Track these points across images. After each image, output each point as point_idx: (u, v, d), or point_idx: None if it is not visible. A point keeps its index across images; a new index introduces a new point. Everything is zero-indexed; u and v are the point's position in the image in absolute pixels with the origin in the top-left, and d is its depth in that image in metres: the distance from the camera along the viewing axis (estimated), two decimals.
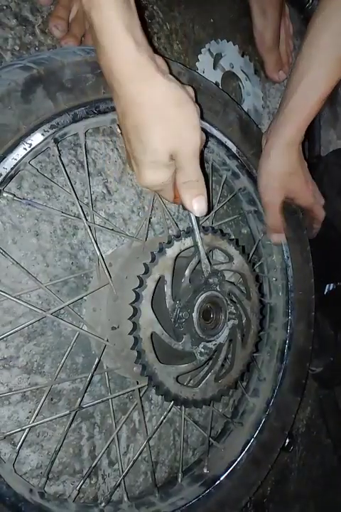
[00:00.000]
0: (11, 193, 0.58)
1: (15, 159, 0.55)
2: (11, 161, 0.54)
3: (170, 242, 0.60)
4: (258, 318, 0.71)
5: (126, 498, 0.68)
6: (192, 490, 0.73)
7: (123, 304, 0.64)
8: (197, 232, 0.61)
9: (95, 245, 0.63)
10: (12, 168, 0.55)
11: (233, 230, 0.91)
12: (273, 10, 0.95)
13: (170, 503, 0.71)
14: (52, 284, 0.64)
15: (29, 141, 0.55)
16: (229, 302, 0.66)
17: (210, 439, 0.79)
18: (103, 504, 0.66)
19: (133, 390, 0.70)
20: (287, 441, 0.86)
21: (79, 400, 0.65)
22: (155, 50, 0.55)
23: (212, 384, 0.65)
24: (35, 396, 0.64)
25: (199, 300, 0.62)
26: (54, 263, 0.66)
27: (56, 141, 0.59)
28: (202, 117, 0.61)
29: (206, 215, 0.78)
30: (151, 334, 0.59)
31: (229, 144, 0.76)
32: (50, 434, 0.65)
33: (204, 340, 0.63)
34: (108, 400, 0.69)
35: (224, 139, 0.75)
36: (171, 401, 0.62)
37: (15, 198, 0.59)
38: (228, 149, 0.76)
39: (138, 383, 0.69)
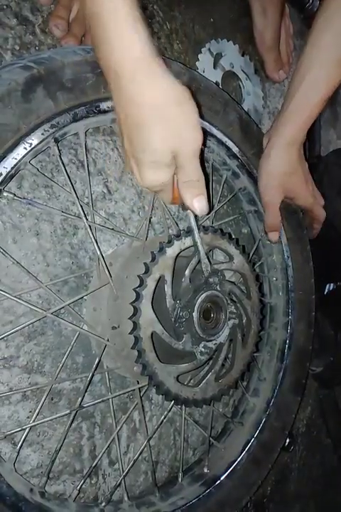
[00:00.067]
0: (12, 193, 0.58)
1: (16, 159, 0.55)
2: (11, 161, 0.54)
3: (170, 242, 0.60)
4: (259, 317, 0.71)
5: (126, 498, 0.68)
6: (193, 490, 0.73)
7: (124, 304, 0.64)
8: (196, 232, 0.61)
9: (95, 245, 0.63)
10: (12, 168, 0.55)
11: (233, 229, 0.91)
12: (273, 9, 0.95)
13: (170, 503, 0.71)
14: (53, 284, 0.64)
15: (29, 141, 0.55)
16: (229, 302, 0.66)
17: (210, 438, 0.79)
18: (103, 504, 0.66)
19: (134, 390, 0.70)
20: (287, 441, 0.86)
21: (80, 399, 0.65)
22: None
23: (213, 383, 0.65)
24: (35, 396, 0.63)
25: (200, 299, 0.62)
26: (54, 263, 0.66)
27: (56, 141, 0.60)
28: (201, 116, 0.61)
29: (206, 215, 0.78)
30: (152, 334, 0.59)
31: (230, 143, 0.76)
32: (50, 433, 0.65)
33: (205, 339, 0.63)
34: (108, 399, 0.68)
35: (224, 139, 0.75)
36: (171, 400, 0.62)
37: (15, 198, 0.59)
38: (228, 149, 0.76)
39: (138, 383, 0.69)
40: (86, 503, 0.67)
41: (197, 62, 0.89)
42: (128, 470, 0.70)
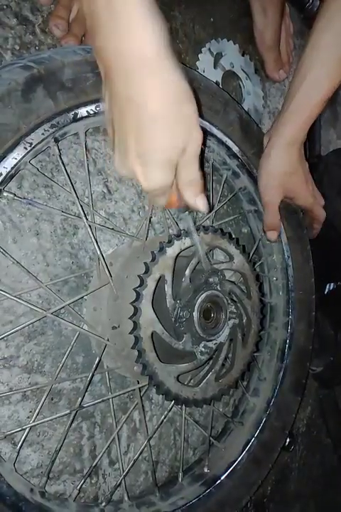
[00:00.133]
0: (12, 193, 0.58)
1: (16, 158, 0.55)
2: (11, 161, 0.54)
3: (170, 242, 0.60)
4: (259, 317, 0.71)
5: (126, 498, 0.68)
6: (193, 489, 0.73)
7: (124, 304, 0.64)
8: (195, 233, 0.61)
9: (95, 245, 0.63)
10: (12, 168, 0.55)
11: (233, 229, 0.91)
12: (273, 9, 0.95)
13: (170, 503, 0.70)
14: (53, 284, 0.64)
15: (29, 141, 0.55)
16: (229, 301, 0.66)
17: (211, 438, 0.79)
18: (103, 504, 0.66)
19: (134, 390, 0.70)
20: (287, 440, 0.86)
21: (80, 399, 0.65)
22: None
23: (213, 383, 0.65)
24: (35, 395, 0.63)
25: (200, 299, 0.62)
26: (54, 262, 0.66)
27: (56, 141, 0.60)
28: (201, 116, 0.61)
29: (206, 215, 0.78)
30: (152, 333, 0.59)
31: (230, 143, 0.76)
32: (50, 433, 0.65)
33: (205, 339, 0.63)
34: (108, 399, 0.68)
35: (224, 139, 0.75)
36: (172, 400, 0.62)
37: (15, 198, 0.59)
38: (228, 149, 0.76)
39: (138, 383, 0.69)
40: (86, 503, 0.67)
41: (197, 62, 0.89)
42: (129, 470, 0.70)
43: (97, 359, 0.66)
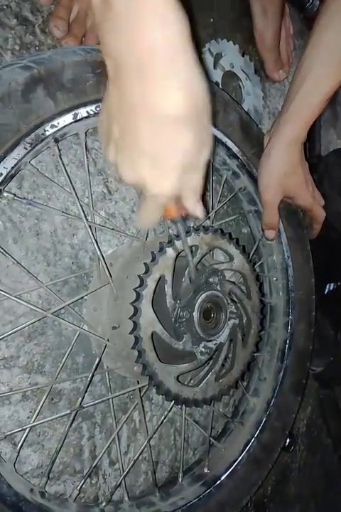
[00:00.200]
0: (12, 193, 0.58)
1: (16, 159, 0.55)
2: (11, 161, 0.54)
3: (170, 242, 0.60)
4: (259, 317, 0.71)
5: (126, 498, 0.68)
6: (193, 490, 0.73)
7: (124, 304, 0.64)
8: (185, 240, 0.60)
9: (95, 245, 0.63)
10: (12, 168, 0.55)
11: (233, 229, 0.91)
12: (273, 9, 0.95)
13: (170, 503, 0.70)
14: (53, 284, 0.64)
15: (29, 141, 0.55)
16: (229, 302, 0.66)
17: (211, 438, 0.79)
18: (104, 504, 0.66)
19: (134, 390, 0.70)
20: (287, 441, 0.86)
21: (80, 399, 0.65)
22: None
23: (213, 383, 0.65)
24: (35, 396, 0.63)
25: (200, 299, 0.62)
26: (54, 263, 0.66)
27: (56, 141, 0.60)
28: None
29: (206, 215, 0.78)
30: (152, 334, 0.59)
31: (230, 143, 0.76)
32: (50, 433, 0.65)
33: (205, 339, 0.63)
34: (108, 399, 0.68)
35: (224, 139, 0.75)
36: (172, 400, 0.62)
37: (15, 198, 0.59)
38: (228, 149, 0.76)
39: (138, 383, 0.69)
40: (86, 503, 0.67)
41: None
42: (129, 470, 0.70)
43: (97, 359, 0.66)
